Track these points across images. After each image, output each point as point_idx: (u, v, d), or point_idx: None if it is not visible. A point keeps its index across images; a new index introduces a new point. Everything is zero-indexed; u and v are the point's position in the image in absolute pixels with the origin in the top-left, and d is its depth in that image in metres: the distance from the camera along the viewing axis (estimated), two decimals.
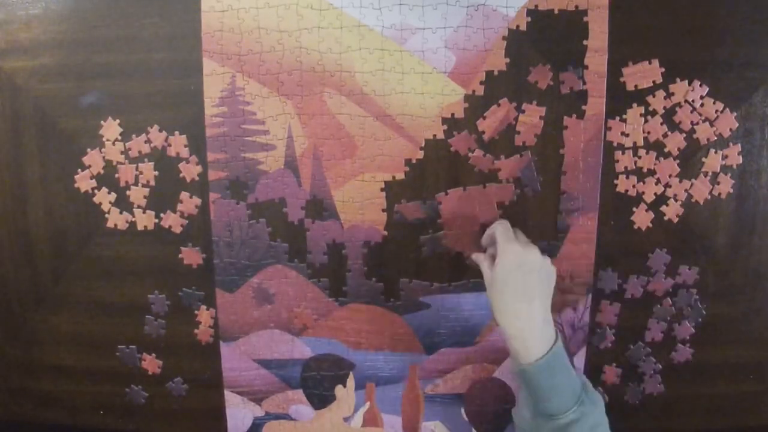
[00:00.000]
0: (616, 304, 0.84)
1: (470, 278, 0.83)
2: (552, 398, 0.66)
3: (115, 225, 0.85)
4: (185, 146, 0.82)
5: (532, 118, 0.79)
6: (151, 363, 0.89)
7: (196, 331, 0.87)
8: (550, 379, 0.66)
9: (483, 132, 0.80)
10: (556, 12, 0.77)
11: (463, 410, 0.88)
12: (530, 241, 0.74)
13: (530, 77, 0.78)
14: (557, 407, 0.66)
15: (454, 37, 0.78)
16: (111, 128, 0.83)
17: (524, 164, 0.81)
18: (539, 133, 0.80)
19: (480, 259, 0.75)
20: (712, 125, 0.79)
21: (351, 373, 0.87)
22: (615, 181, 0.81)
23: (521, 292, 0.68)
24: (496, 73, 0.79)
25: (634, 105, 0.79)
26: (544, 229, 0.82)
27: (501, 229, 0.74)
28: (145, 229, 0.85)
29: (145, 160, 0.83)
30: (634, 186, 0.81)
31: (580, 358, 0.85)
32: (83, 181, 0.84)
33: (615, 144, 0.80)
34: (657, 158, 0.80)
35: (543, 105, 0.79)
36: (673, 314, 0.84)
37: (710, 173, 0.80)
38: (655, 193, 0.81)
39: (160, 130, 0.82)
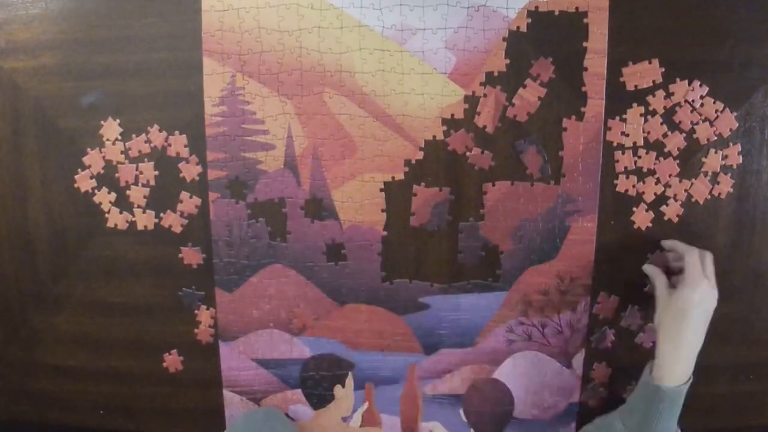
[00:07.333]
0: (615, 300, 0.84)
1: (470, 279, 0.83)
2: (669, 422, 0.71)
3: (115, 225, 0.85)
4: (185, 146, 0.83)
5: (531, 95, 0.79)
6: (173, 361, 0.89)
7: (196, 330, 0.87)
8: (678, 405, 0.71)
9: (485, 127, 0.80)
10: (556, 13, 0.77)
11: (461, 411, 0.88)
12: (713, 280, 0.74)
13: (532, 70, 0.78)
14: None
15: (454, 38, 0.78)
16: (111, 128, 0.83)
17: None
18: (532, 112, 0.79)
19: (656, 274, 0.77)
20: (712, 125, 0.79)
21: (350, 373, 0.87)
22: (615, 181, 0.81)
23: (694, 326, 0.72)
24: (496, 74, 0.79)
25: (634, 105, 0.79)
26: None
27: (695, 259, 0.74)
28: (145, 229, 0.85)
29: (145, 160, 0.84)
30: (634, 186, 0.81)
31: (580, 359, 0.85)
32: (83, 181, 0.85)
33: (615, 144, 0.80)
34: (657, 158, 0.80)
35: (543, 104, 0.79)
36: None
37: (710, 173, 0.80)
38: (655, 193, 0.81)
39: (160, 130, 0.82)
